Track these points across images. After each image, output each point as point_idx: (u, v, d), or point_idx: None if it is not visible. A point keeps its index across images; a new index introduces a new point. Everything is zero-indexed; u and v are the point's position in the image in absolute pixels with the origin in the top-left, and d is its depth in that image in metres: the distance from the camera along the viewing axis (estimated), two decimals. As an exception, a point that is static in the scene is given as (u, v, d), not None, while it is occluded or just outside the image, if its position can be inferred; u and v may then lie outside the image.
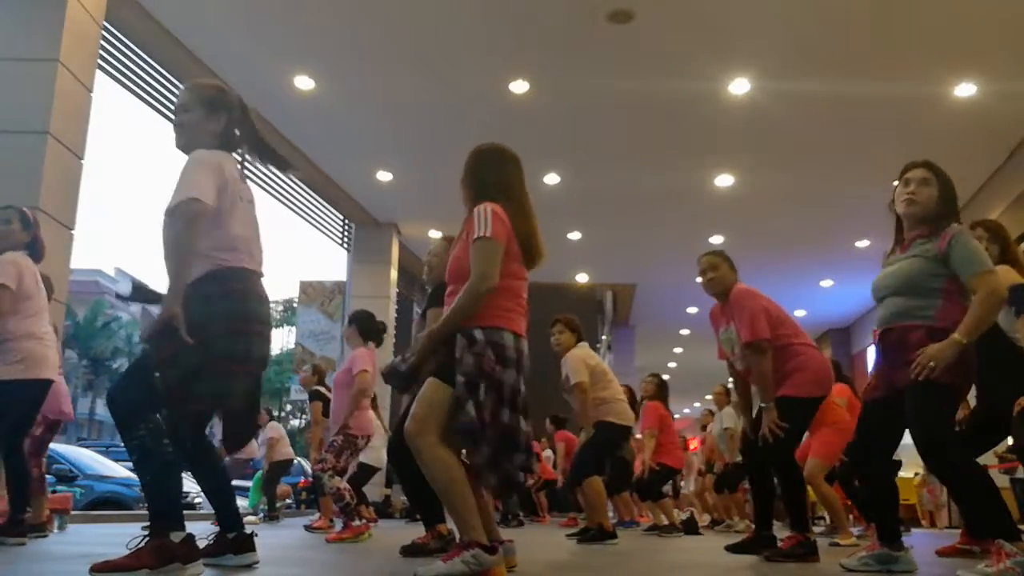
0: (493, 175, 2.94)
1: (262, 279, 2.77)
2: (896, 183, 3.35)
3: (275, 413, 18.54)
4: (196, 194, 2.53)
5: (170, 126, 3.12)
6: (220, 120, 2.80)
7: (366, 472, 7.48)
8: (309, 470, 11.21)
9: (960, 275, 3.07)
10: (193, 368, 2.49)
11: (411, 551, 3.91)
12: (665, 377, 7.95)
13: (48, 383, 4.28)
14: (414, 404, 2.69)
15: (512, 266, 2.80)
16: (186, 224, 2.53)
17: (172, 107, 2.93)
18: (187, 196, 2.53)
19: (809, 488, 5.83)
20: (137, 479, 2.64)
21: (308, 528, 6.73)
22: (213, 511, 3.01)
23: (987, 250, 3.59)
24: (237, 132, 2.86)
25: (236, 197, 2.71)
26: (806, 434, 5.49)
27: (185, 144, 2.78)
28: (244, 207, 2.76)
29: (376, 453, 7.46)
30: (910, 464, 11.86)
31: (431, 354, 2.76)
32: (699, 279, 4.42)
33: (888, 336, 3.20)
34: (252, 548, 2.89)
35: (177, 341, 2.45)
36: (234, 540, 2.87)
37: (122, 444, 2.57)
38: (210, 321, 2.53)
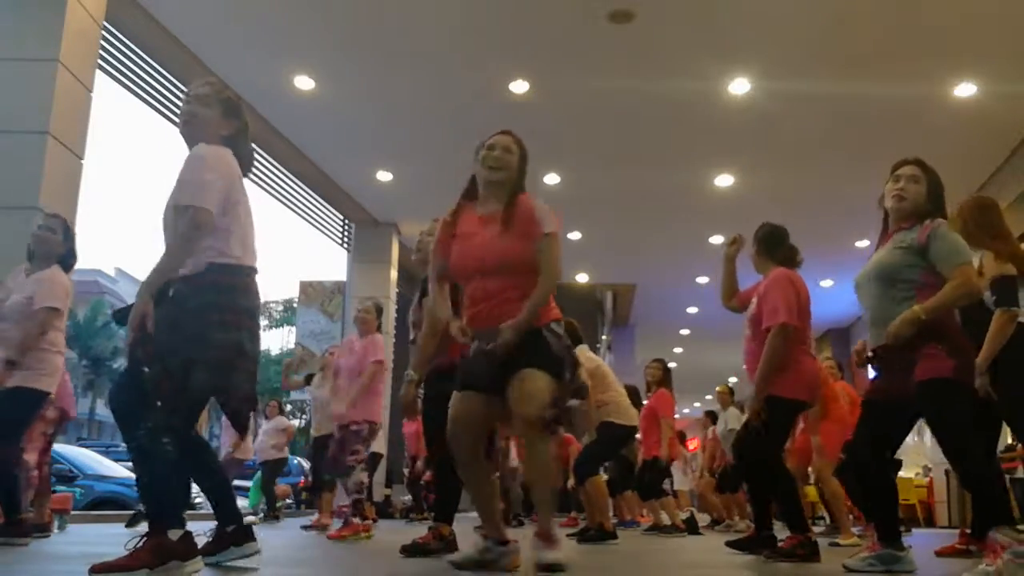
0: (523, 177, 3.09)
1: (256, 274, 2.78)
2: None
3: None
4: (204, 203, 2.57)
5: (170, 127, 3.13)
6: (231, 126, 2.84)
7: (374, 460, 7.48)
8: (307, 468, 11.22)
9: (939, 267, 3.08)
10: (180, 361, 2.51)
11: (411, 551, 3.91)
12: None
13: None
14: (536, 392, 2.74)
15: None
16: (190, 230, 2.55)
17: (180, 98, 2.93)
18: (199, 204, 2.56)
19: (808, 489, 5.83)
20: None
21: (307, 528, 6.73)
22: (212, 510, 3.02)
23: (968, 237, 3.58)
24: (240, 144, 2.88)
25: (238, 196, 2.74)
26: (813, 436, 5.51)
27: (191, 135, 2.79)
28: (244, 205, 2.78)
29: (378, 440, 7.44)
30: (910, 464, 11.88)
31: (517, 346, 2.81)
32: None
33: (884, 354, 3.17)
34: (252, 538, 2.92)
35: (151, 339, 2.48)
36: (234, 533, 2.89)
37: (122, 444, 2.59)
38: (202, 313, 2.55)
